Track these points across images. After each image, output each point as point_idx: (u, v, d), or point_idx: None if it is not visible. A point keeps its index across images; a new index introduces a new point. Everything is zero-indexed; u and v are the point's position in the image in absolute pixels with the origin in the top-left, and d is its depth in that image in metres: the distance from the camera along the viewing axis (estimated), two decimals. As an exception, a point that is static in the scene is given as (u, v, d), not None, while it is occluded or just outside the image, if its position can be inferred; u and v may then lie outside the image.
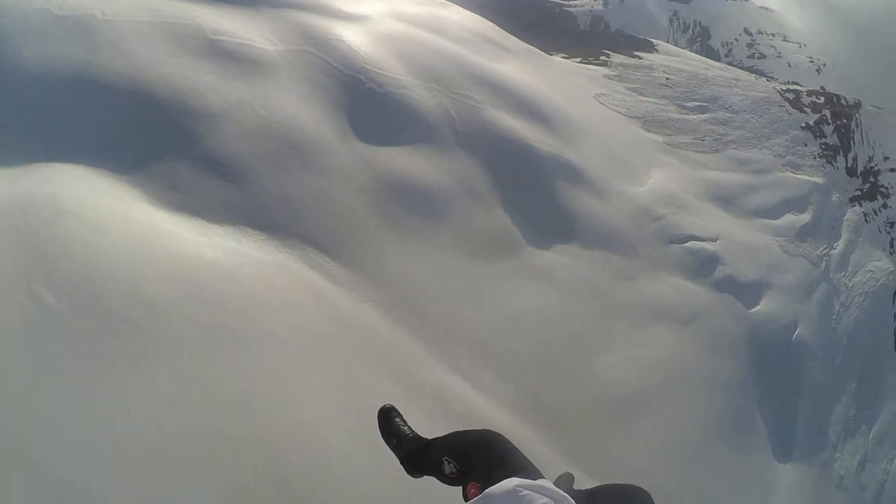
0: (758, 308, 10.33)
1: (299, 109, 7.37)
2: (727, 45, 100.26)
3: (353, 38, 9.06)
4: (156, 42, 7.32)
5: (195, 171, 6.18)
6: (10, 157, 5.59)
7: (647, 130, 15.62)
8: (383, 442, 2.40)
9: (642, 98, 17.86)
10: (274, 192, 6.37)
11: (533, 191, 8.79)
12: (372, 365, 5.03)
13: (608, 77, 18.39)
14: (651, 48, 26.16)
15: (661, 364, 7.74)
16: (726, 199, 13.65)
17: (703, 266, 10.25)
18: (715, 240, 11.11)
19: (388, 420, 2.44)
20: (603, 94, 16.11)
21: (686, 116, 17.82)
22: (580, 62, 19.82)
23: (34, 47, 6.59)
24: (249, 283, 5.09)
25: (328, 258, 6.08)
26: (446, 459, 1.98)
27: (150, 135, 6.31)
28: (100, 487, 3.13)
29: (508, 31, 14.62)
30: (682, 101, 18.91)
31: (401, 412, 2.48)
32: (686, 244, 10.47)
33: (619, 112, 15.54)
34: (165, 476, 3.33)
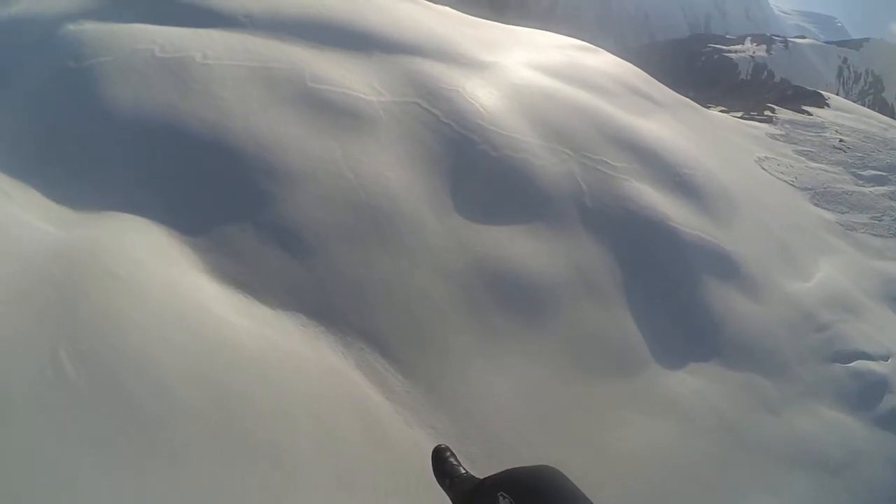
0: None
1: (392, 173, 5.99)
2: None
3: (474, 88, 7.57)
4: (250, 88, 6.33)
5: (260, 239, 5.04)
6: (80, 201, 4.92)
7: (817, 205, 12.93)
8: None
9: (813, 164, 15.10)
10: (342, 274, 5.05)
11: (669, 287, 6.81)
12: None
13: (773, 136, 15.77)
14: (821, 102, 22.95)
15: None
16: (906, 304, 10.74)
17: (867, 394, 7.59)
18: (887, 358, 8.43)
19: (442, 460, 2.41)
20: (767, 157, 13.61)
21: (862, 189, 14.80)
22: (741, 117, 17.32)
23: (129, 89, 5.95)
24: (284, 388, 4.05)
25: (389, 365, 4.66)
26: (502, 495, 1.87)
27: (222, 191, 5.32)
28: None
29: (661, 80, 12.66)
30: (858, 169, 15.91)
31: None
32: (851, 364, 7.83)
33: (786, 181, 12.97)
34: None
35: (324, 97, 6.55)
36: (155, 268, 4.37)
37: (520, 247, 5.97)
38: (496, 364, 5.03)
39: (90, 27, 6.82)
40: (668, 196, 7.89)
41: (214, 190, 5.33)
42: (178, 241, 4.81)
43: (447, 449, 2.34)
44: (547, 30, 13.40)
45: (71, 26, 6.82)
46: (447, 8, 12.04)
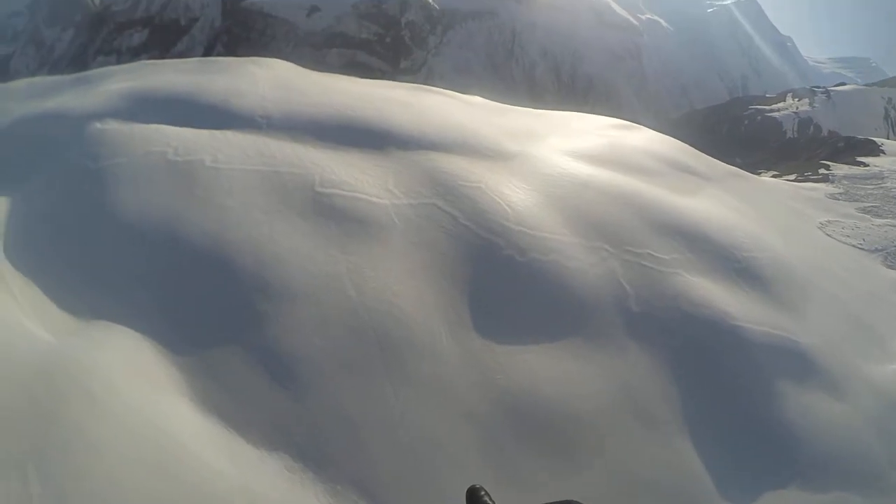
0: None
1: (402, 288, 5.13)
2: None
3: (498, 183, 6.72)
4: (255, 195, 5.82)
5: (249, 364, 4.36)
6: (79, 304, 4.65)
7: (892, 267, 11.36)
8: None
9: (879, 221, 13.55)
10: (337, 409, 4.20)
11: (737, 401, 5.58)
12: None
13: (833, 197, 14.32)
14: (876, 150, 21.39)
15: None
16: None
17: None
18: None
19: (477, 499, 2.27)
20: (829, 221, 12.20)
21: None
22: (795, 179, 15.95)
23: (137, 193, 5.73)
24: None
25: (387, 533, 3.75)
26: None
27: (215, 309, 4.76)
28: None
29: (705, 150, 11.58)
30: None
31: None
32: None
33: (854, 245, 11.49)
34: None
35: (332, 203, 5.88)
36: (137, 391, 3.87)
37: (554, 371, 4.90)
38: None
39: (113, 127, 6.76)
40: (727, 287, 6.71)
41: (207, 306, 4.74)
42: (166, 360, 4.27)
43: (481, 488, 2.19)
44: (585, 111, 12.66)
45: (97, 125, 6.80)
46: (476, 98, 11.45)
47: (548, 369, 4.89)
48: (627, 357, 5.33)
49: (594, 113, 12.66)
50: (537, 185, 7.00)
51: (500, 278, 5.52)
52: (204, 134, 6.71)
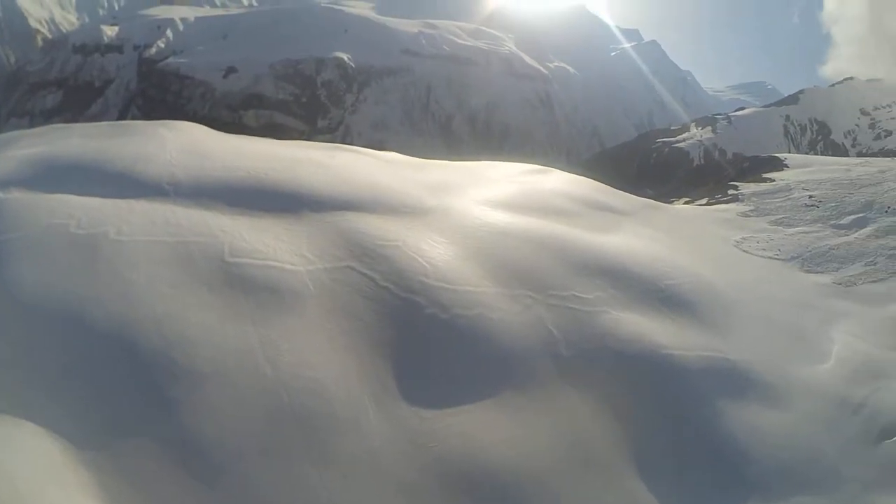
0: None
1: (321, 360, 4.85)
2: (850, 135, 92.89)
3: (416, 240, 6.57)
4: (162, 269, 5.42)
5: (161, 457, 3.97)
6: None
7: (809, 272, 11.81)
8: None
9: (791, 230, 14.14)
10: (257, 497, 3.86)
11: (682, 429, 5.53)
12: None
13: (745, 214, 14.88)
14: (779, 165, 22.47)
15: None
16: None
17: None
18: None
19: None
20: (745, 238, 12.62)
21: (847, 238, 13.78)
22: (707, 203, 16.54)
23: (37, 271, 5.23)
24: None
25: None
26: None
27: (122, 397, 4.35)
28: None
29: (619, 186, 11.88)
30: (836, 218, 15.01)
31: None
32: (899, 436, 6.52)
33: (771, 257, 11.91)
34: None
35: (243, 273, 5.53)
36: (40, 493, 3.55)
37: (490, 431, 4.68)
38: None
39: (15, 196, 6.26)
40: (655, 317, 6.71)
41: (114, 395, 4.32)
42: (72, 457, 3.88)
43: None
44: (501, 159, 12.83)
45: (0, 194, 6.27)
46: (393, 154, 11.40)
47: (485, 430, 4.66)
48: (565, 404, 5.18)
49: (510, 159, 12.87)
50: (456, 238, 6.89)
51: (423, 339, 5.30)
52: (109, 203, 6.30)
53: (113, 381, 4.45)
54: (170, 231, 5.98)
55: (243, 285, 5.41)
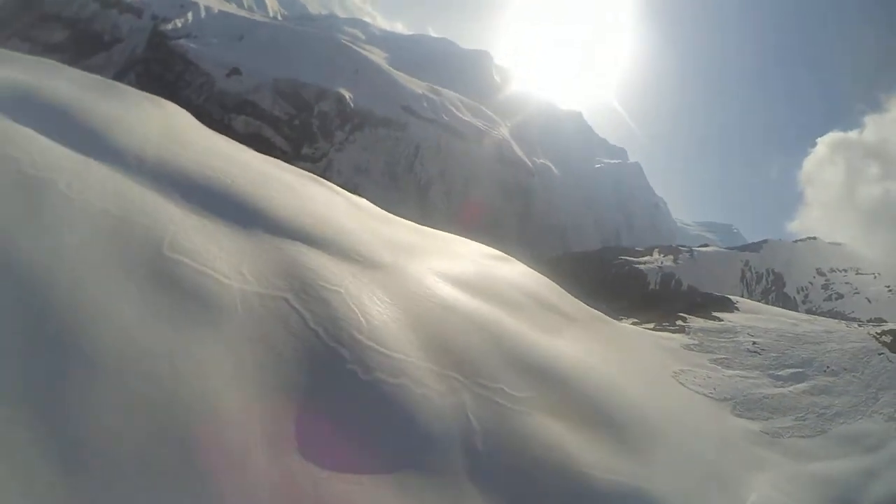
0: None
1: (225, 388, 4.39)
2: (803, 291, 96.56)
3: (360, 291, 6.29)
4: (98, 238, 4.90)
5: (38, 439, 3.39)
6: None
7: (740, 416, 11.98)
8: None
9: (729, 372, 14.44)
10: None
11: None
12: None
13: (688, 347, 15.09)
14: (730, 307, 23.16)
15: None
16: (845, 500, 9.46)
17: None
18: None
19: None
20: (683, 370, 12.73)
21: (782, 390, 14.27)
22: (654, 328, 16.76)
23: None
24: None
25: None
26: None
27: (14, 363, 3.72)
28: None
29: (573, 291, 11.89)
30: (775, 369, 15.58)
31: None
32: None
33: (705, 394, 11.98)
34: None
35: (176, 271, 5.09)
36: None
37: (380, 512, 4.30)
38: None
39: None
40: (581, 431, 6.50)
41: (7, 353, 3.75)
42: None
43: None
44: (468, 236, 12.78)
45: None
46: (364, 200, 11.22)
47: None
48: (463, 500, 4.85)
49: (477, 239, 12.81)
50: (400, 300, 6.63)
51: (337, 394, 4.96)
52: (69, 155, 5.85)
53: (8, 339, 3.87)
54: (119, 203, 5.51)
55: (172, 284, 4.96)
